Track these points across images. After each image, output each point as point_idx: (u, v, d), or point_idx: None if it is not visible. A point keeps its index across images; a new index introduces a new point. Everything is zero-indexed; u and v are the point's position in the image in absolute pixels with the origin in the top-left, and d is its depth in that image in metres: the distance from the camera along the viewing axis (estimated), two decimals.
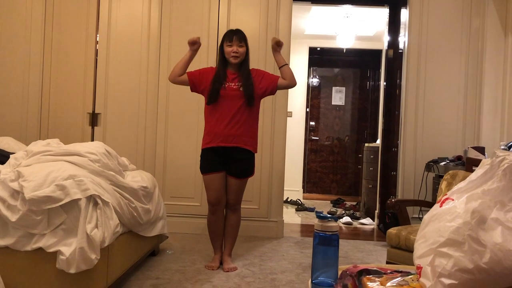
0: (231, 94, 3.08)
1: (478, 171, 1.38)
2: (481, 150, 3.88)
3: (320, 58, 7.54)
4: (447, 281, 1.22)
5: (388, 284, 1.29)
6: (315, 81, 7.69)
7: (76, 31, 4.29)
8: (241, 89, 3.09)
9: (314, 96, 7.67)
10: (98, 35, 4.27)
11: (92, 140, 4.20)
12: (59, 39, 4.29)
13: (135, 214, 2.67)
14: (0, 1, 4.29)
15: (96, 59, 4.28)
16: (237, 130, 3.08)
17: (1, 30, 4.30)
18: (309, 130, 7.53)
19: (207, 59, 4.23)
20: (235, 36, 3.14)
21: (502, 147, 3.79)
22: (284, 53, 4.20)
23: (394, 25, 4.89)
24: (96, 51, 4.28)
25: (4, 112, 4.28)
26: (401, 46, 4.73)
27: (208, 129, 3.15)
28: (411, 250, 1.58)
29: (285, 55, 4.22)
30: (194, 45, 3.17)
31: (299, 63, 6.89)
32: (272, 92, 3.24)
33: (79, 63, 4.29)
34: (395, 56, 4.85)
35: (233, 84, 3.11)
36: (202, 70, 3.24)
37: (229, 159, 3.12)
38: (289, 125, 4.46)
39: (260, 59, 4.17)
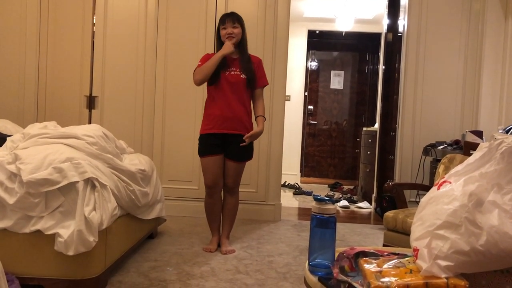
0: (232, 80, 3.07)
1: (476, 154, 1.38)
2: (479, 134, 3.88)
3: (319, 41, 7.49)
4: (443, 263, 1.23)
5: (385, 266, 1.30)
6: (313, 64, 7.65)
7: (73, 13, 4.23)
8: (242, 75, 3.08)
9: (313, 80, 7.64)
10: (94, 17, 4.22)
11: (90, 123, 4.18)
12: (55, 21, 4.24)
13: (133, 197, 2.68)
14: None
15: (93, 42, 4.23)
16: (239, 115, 3.08)
17: None
18: (307, 114, 7.52)
19: (204, 42, 4.19)
20: (228, 18, 3.11)
21: (500, 131, 3.79)
22: (282, 36, 4.20)
23: (393, 8, 4.85)
24: (93, 33, 4.23)
25: (1, 95, 4.25)
26: (400, 29, 4.69)
27: (209, 113, 3.13)
28: (407, 233, 1.59)
29: (284, 39, 4.21)
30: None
31: (297, 46, 6.84)
32: (251, 86, 3.15)
33: (76, 46, 4.24)
34: (395, 39, 4.81)
35: (234, 69, 3.09)
36: (205, 57, 3.17)
37: (228, 142, 3.12)
38: (287, 109, 4.44)
39: (258, 43, 4.14)
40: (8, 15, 4.25)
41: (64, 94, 4.26)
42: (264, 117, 3.18)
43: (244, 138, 3.06)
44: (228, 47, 3.04)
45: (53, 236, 2.17)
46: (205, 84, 3.17)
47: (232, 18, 3.10)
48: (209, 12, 4.19)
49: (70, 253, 2.14)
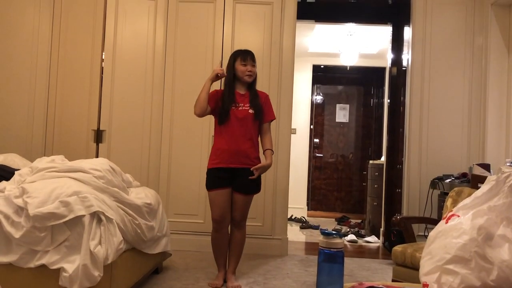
0: (241, 115, 3.12)
1: (484, 188, 1.37)
2: (487, 167, 3.86)
3: (323, 75, 7.58)
4: None
5: None
6: (318, 98, 7.72)
7: (82, 49, 4.33)
8: (250, 110, 3.13)
9: (318, 113, 7.69)
10: (103, 53, 4.32)
11: (97, 156, 4.21)
12: (65, 57, 4.34)
13: (139, 231, 2.66)
14: (8, 19, 4.36)
15: (102, 77, 4.31)
16: (246, 150, 3.11)
17: (8, 47, 4.35)
18: (313, 147, 7.53)
19: None
20: (249, 56, 3.20)
21: (508, 163, 3.77)
22: (288, 71, 4.27)
23: (397, 43, 4.93)
24: (102, 68, 4.32)
25: (10, 129, 4.30)
26: (404, 63, 4.75)
27: (217, 148, 3.16)
28: (417, 268, 1.56)
29: (289, 73, 4.27)
30: (218, 77, 3.18)
31: (302, 81, 6.93)
32: (259, 120, 3.23)
33: (84, 81, 4.32)
34: (399, 73, 4.87)
35: (243, 105, 3.14)
36: (213, 93, 3.23)
37: (236, 176, 3.12)
38: (293, 142, 4.45)
39: (264, 77, 4.20)
40: (19, 49, 4.35)
41: (72, 128, 4.30)
42: (272, 151, 3.21)
43: (251, 169, 3.07)
44: (214, 72, 3.14)
45: (58, 271, 2.16)
46: (212, 119, 3.21)
47: (252, 57, 3.21)
48: (216, 49, 4.28)
49: None
